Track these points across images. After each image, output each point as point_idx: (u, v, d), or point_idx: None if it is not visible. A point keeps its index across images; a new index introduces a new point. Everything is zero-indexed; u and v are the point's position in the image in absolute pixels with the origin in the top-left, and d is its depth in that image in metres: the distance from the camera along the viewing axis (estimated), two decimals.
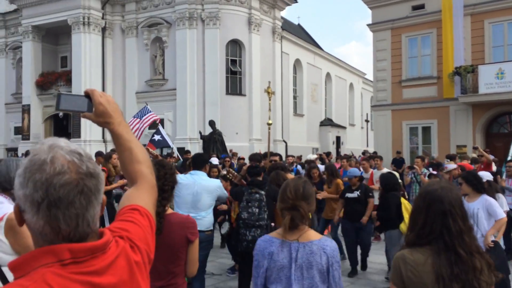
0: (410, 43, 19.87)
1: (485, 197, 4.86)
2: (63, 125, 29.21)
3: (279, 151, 25.92)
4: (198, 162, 4.98)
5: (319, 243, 2.44)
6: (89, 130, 25.85)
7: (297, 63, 31.70)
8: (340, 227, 7.64)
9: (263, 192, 4.95)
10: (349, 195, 7.06)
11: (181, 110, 24.96)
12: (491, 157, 12.73)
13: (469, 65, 17.48)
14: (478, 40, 18.10)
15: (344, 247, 7.55)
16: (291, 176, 6.08)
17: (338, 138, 34.25)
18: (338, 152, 32.25)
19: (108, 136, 26.77)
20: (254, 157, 6.42)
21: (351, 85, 39.50)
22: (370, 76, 21.78)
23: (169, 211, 2.79)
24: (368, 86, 38.14)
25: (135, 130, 11.65)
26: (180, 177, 4.92)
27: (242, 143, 24.06)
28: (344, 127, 35.81)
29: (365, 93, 40.37)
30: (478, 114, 17.93)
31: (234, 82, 26.31)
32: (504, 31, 17.69)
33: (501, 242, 5.16)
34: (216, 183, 5.01)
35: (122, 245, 1.10)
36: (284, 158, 17.58)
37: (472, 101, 17.52)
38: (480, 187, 4.91)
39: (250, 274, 5.35)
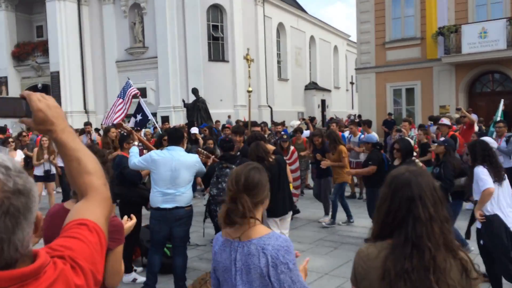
0: (393, 3, 19.52)
1: (476, 168, 4.55)
2: None
3: (264, 116, 25.84)
4: (174, 138, 4.86)
5: (258, 242, 2.03)
6: (70, 101, 25.38)
7: (280, 27, 31.14)
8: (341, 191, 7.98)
9: (234, 167, 4.88)
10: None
11: (164, 79, 24.53)
12: (474, 117, 12.82)
13: (452, 25, 17.32)
14: None
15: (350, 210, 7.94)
16: (271, 147, 6.00)
17: (323, 102, 34.19)
18: (323, 116, 32.28)
19: (90, 106, 26.36)
20: (238, 130, 6.22)
21: (335, 47, 39.09)
22: (354, 38, 21.53)
23: None
24: (352, 49, 37.77)
25: (120, 113, 11.10)
26: (157, 153, 4.82)
27: (226, 110, 23.87)
28: (329, 91, 35.68)
29: (350, 56, 40.02)
30: (461, 74, 17.93)
31: (217, 48, 25.82)
32: None
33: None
34: (194, 158, 4.92)
35: (61, 268, 0.98)
36: (270, 125, 17.51)
37: (455, 61, 17.47)
38: (473, 157, 4.64)
39: None
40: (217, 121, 18.21)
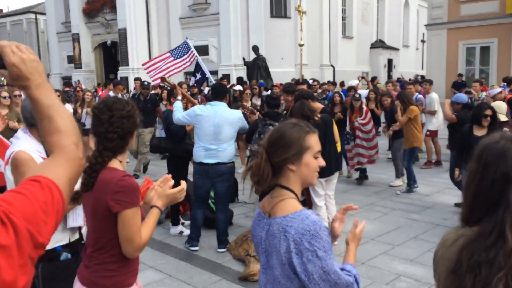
0: None
1: None
2: (111, 53, 29.67)
3: (326, 76, 25.20)
4: (218, 93, 4.83)
5: (281, 222, 1.69)
6: (136, 58, 26.14)
7: None
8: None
9: (277, 124, 4.77)
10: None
11: (225, 36, 24.45)
12: None
13: None
14: None
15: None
16: (319, 105, 5.80)
17: (390, 61, 32.62)
18: (389, 76, 30.89)
19: None
20: (289, 89, 6.04)
21: (406, 2, 36.70)
22: None
23: (112, 163, 2.06)
24: (425, 3, 35.21)
25: (166, 69, 11.01)
26: (200, 108, 4.83)
27: (287, 69, 23.49)
28: (397, 49, 33.89)
29: (422, 11, 37.37)
30: None
31: (279, 4, 25.18)
32: None
33: None
34: (238, 114, 4.87)
35: None
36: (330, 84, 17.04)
37: None
38: None
39: None
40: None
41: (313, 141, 1.78)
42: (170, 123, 5.35)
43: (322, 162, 1.80)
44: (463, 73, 17.80)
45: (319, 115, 5.05)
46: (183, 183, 2.21)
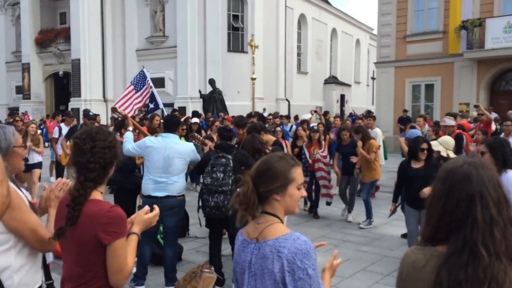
0: None
1: (507, 174, 3.64)
2: (63, 84, 29.01)
3: (282, 110, 25.65)
4: (170, 125, 4.78)
5: (274, 244, 1.78)
6: (89, 89, 25.67)
7: (302, 18, 30.78)
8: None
9: (230, 157, 4.75)
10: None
11: (182, 69, 24.56)
12: (493, 115, 12.37)
13: (477, 19, 16.75)
14: None
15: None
16: (271, 138, 5.86)
17: (342, 96, 33.74)
18: (342, 111, 31.88)
19: (109, 94, 26.64)
20: (240, 122, 6.07)
21: (357, 41, 38.47)
22: (377, 32, 21.03)
23: (93, 195, 2.04)
24: (375, 42, 37.09)
25: (129, 106, 10.92)
26: (151, 140, 4.74)
27: (243, 102, 23.76)
28: (349, 85, 35.18)
29: (372, 50, 39.28)
30: (484, 71, 17.36)
31: (236, 39, 25.68)
32: None
33: None
34: (189, 146, 4.82)
35: None
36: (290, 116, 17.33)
37: (478, 57, 16.92)
38: (507, 162, 3.72)
39: (217, 241, 5.29)
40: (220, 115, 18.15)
41: (298, 173, 1.89)
42: None
43: (304, 193, 1.91)
44: (409, 109, 18.67)
45: (270, 148, 5.07)
46: (157, 208, 2.24)
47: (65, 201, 2.08)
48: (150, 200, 4.63)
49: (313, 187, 8.05)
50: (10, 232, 2.12)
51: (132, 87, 11.70)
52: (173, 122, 4.87)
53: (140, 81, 11.78)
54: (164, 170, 4.61)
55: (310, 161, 7.94)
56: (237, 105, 21.81)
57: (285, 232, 1.81)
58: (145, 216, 2.19)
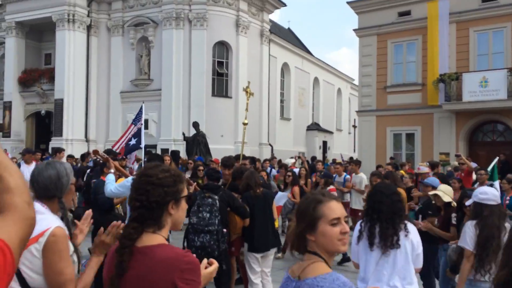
0: (395, 49, 19.83)
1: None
2: (45, 123, 28.71)
3: (265, 154, 25.75)
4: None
5: (312, 283, 1.72)
6: (71, 128, 25.45)
7: (285, 67, 31.60)
8: None
9: (216, 197, 4.74)
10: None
11: (166, 111, 24.65)
12: (474, 165, 12.66)
13: (454, 73, 17.47)
14: (463, 48, 18.11)
15: None
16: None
17: (324, 143, 34.18)
18: (324, 157, 32.17)
19: (91, 135, 26.43)
20: (227, 163, 6.11)
21: (339, 90, 39.52)
22: (358, 81, 21.73)
23: (155, 240, 1.79)
24: (356, 92, 38.15)
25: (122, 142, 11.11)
26: (129, 180, 4.70)
27: (227, 146, 23.80)
28: (331, 132, 35.76)
29: (353, 99, 40.37)
30: (462, 122, 17.92)
31: (221, 84, 26.07)
32: (489, 40, 17.72)
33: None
34: None
35: None
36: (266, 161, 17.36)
37: (456, 109, 17.50)
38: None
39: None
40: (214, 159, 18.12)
41: (327, 208, 1.80)
42: (98, 193, 5.14)
43: (344, 227, 1.80)
44: (393, 156, 18.98)
45: (261, 189, 5.13)
46: (215, 262, 2.03)
47: (113, 249, 1.88)
48: None
49: None
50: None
51: (133, 125, 11.75)
52: (158, 161, 4.83)
53: (138, 116, 11.91)
54: None
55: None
56: (220, 148, 21.82)
57: (324, 272, 1.75)
58: (205, 271, 1.95)
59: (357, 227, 3.38)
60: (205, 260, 2.00)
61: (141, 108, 11.75)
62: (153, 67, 25.63)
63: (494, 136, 18.19)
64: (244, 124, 10.55)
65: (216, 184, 5.04)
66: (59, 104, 25.73)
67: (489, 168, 9.20)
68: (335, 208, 1.81)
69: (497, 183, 8.43)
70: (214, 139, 22.67)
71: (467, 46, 18.03)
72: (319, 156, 30.91)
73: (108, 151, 6.61)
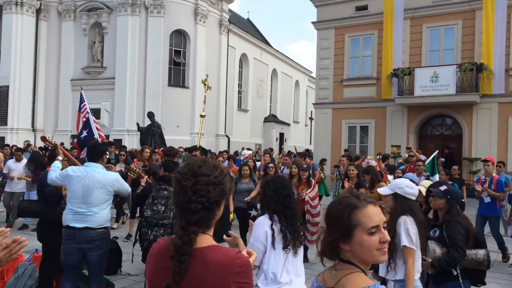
0: (352, 43, 20.10)
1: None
2: None
3: (222, 146, 25.59)
4: (93, 153, 4.51)
5: None
6: (17, 117, 24.22)
7: (244, 58, 31.43)
8: None
9: (172, 189, 4.57)
10: None
11: (120, 101, 23.94)
12: (423, 157, 13.04)
13: (407, 68, 17.91)
14: (416, 43, 18.59)
15: None
16: None
17: (281, 135, 34.37)
18: (281, 149, 32.37)
19: (38, 124, 25.27)
20: (169, 152, 5.97)
21: (296, 82, 39.81)
22: (315, 74, 21.91)
23: (206, 241, 1.72)
24: (313, 85, 38.58)
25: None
26: (72, 169, 4.45)
27: (183, 137, 23.45)
28: (288, 124, 36.00)
29: (311, 91, 40.80)
30: (413, 116, 18.44)
31: (177, 74, 25.59)
32: (440, 36, 18.27)
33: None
34: (112, 176, 4.55)
35: None
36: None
37: (408, 103, 17.98)
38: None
39: None
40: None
41: (364, 215, 1.59)
42: (45, 185, 4.83)
43: (384, 236, 1.60)
44: (346, 148, 19.29)
45: None
46: (252, 252, 2.00)
47: (162, 250, 1.73)
48: (69, 231, 4.36)
49: None
50: None
51: (79, 113, 11.16)
52: (97, 151, 4.59)
53: (81, 104, 11.30)
54: (84, 200, 4.31)
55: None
56: (176, 139, 21.42)
57: (368, 284, 1.56)
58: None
59: (268, 228, 3.13)
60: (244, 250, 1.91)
61: (81, 95, 11.16)
62: (106, 55, 24.78)
63: (443, 130, 18.87)
64: (202, 116, 10.32)
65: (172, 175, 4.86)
66: (4, 91, 24.41)
67: (428, 161, 9.44)
68: (373, 215, 1.61)
69: (436, 176, 8.70)
70: (170, 130, 22.27)
71: (420, 42, 18.53)
72: (276, 148, 31.08)
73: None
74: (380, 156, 12.15)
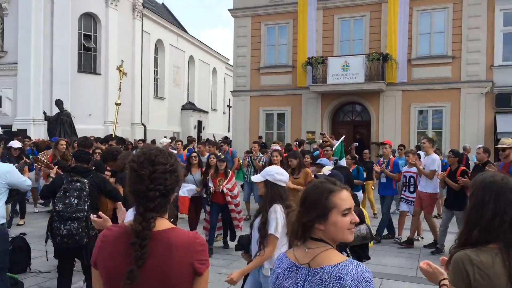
0: (268, 31, 20.41)
1: None
2: None
3: (138, 135, 24.81)
4: None
5: (333, 271, 1.71)
6: None
7: (159, 44, 30.57)
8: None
9: (86, 181, 4.37)
10: None
11: (24, 88, 22.17)
12: (336, 143, 13.71)
13: (320, 57, 18.62)
14: (329, 33, 19.36)
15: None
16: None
17: (200, 123, 34.14)
18: (199, 137, 32.17)
19: None
20: (84, 143, 5.67)
21: (214, 70, 39.62)
22: (233, 62, 21.94)
23: (164, 224, 1.78)
24: (231, 72, 38.66)
25: None
26: None
27: (96, 126, 22.37)
28: (206, 112, 35.82)
29: (228, 79, 40.88)
30: (326, 103, 19.28)
31: (88, 60, 24.25)
32: (351, 27, 19.20)
33: None
34: (4, 168, 4.25)
35: None
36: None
37: (321, 91, 18.74)
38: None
39: (67, 274, 4.75)
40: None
41: (339, 198, 1.79)
42: None
43: (356, 218, 1.81)
44: (263, 135, 19.69)
45: None
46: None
47: (118, 237, 1.75)
48: None
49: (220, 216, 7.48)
50: None
51: None
52: None
53: None
54: None
55: (212, 191, 7.27)
56: (88, 128, 20.37)
57: (344, 259, 1.75)
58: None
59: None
60: None
61: None
62: (7, 38, 22.78)
63: (353, 116, 19.96)
64: (117, 104, 9.90)
65: (85, 166, 4.61)
66: None
67: (336, 146, 9.98)
68: (346, 198, 1.82)
69: (343, 161, 9.28)
70: (81, 119, 21.16)
71: (332, 32, 19.31)
72: (195, 136, 30.85)
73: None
74: (297, 142, 12.57)
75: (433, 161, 8.06)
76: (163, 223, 1.80)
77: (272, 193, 3.47)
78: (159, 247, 1.72)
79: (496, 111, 16.98)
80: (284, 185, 3.54)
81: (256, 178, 3.57)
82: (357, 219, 1.86)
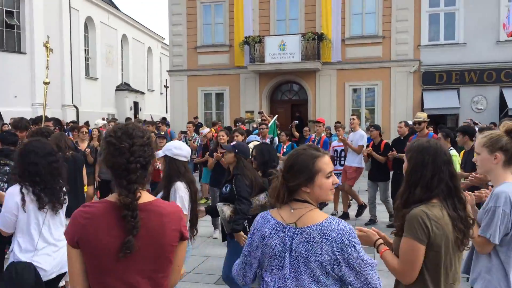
0: (204, 9, 20.08)
1: None
2: None
3: (69, 117, 23.69)
4: None
5: (320, 228, 1.91)
6: None
7: (89, 22, 29.07)
8: None
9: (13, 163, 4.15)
10: None
11: None
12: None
13: (257, 36, 18.66)
14: (265, 12, 19.40)
15: None
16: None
17: (136, 104, 33.16)
18: (136, 118, 31.33)
19: None
20: (19, 124, 5.37)
21: (149, 49, 38.43)
22: (168, 41, 21.34)
23: (148, 196, 1.87)
24: (167, 51, 37.61)
25: None
26: None
27: (23, 108, 21.03)
28: (142, 93, 34.82)
29: (164, 59, 39.77)
30: (264, 82, 19.45)
31: (11, 38, 22.61)
32: (286, 6, 19.35)
33: None
34: None
35: None
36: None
37: (259, 70, 18.85)
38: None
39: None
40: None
41: (323, 163, 1.99)
42: None
43: (336, 180, 2.03)
44: (202, 115, 19.57)
45: (71, 152, 4.98)
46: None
47: (104, 212, 1.78)
48: None
49: None
50: None
51: None
52: None
53: None
54: None
55: None
56: (14, 111, 19.14)
57: (326, 217, 1.97)
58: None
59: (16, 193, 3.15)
60: None
61: None
62: None
63: (291, 95, 20.32)
64: (46, 83, 9.37)
65: (13, 149, 4.37)
66: None
67: (270, 124, 10.26)
68: (329, 162, 2.03)
69: (276, 138, 9.64)
70: (6, 101, 19.86)
71: (268, 11, 19.36)
72: (131, 117, 30.01)
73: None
74: (240, 123, 12.63)
75: (361, 136, 8.55)
76: (146, 195, 1.88)
77: (170, 168, 3.53)
78: (151, 217, 1.82)
79: (423, 89, 18.03)
80: (183, 159, 3.59)
81: (157, 154, 3.57)
82: (337, 180, 2.08)
